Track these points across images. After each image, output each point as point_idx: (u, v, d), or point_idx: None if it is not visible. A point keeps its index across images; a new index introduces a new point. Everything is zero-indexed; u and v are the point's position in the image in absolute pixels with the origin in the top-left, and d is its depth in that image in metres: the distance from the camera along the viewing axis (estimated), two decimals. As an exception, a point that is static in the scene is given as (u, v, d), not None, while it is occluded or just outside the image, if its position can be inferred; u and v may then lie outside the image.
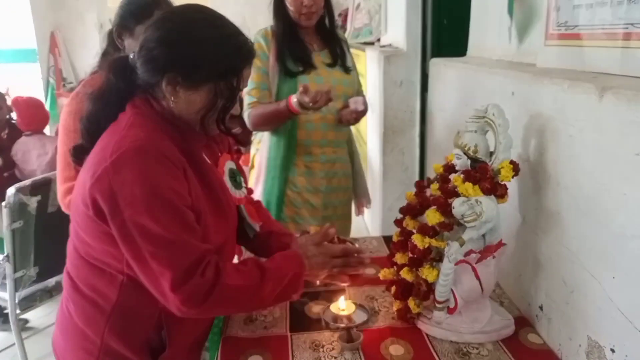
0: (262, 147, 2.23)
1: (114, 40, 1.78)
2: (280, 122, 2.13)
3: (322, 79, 2.16)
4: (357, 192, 2.41)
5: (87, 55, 6.20)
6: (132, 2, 1.77)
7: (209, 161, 1.30)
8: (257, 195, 2.17)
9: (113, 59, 1.28)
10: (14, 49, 6.04)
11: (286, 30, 2.15)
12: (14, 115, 3.70)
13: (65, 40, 6.39)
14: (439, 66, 2.09)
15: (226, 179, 1.36)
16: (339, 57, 2.22)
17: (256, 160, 2.29)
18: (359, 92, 2.30)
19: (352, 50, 2.33)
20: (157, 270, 1.08)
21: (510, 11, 1.56)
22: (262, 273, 1.19)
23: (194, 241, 1.12)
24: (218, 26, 1.20)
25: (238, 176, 1.41)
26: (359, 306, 1.40)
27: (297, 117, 2.08)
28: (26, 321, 3.27)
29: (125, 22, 1.74)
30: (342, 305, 1.37)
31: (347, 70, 2.24)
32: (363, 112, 2.17)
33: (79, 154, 1.24)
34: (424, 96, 2.85)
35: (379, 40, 3.55)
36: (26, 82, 5.74)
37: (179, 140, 1.20)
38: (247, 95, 2.14)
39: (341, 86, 2.19)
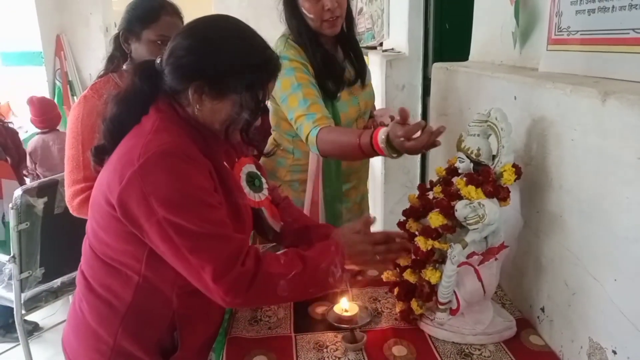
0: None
1: (120, 45, 1.79)
2: (356, 157, 1.80)
3: (357, 98, 1.93)
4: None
5: (92, 58, 6.22)
6: (139, 6, 1.78)
7: (227, 166, 1.31)
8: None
9: (139, 63, 1.32)
10: (19, 52, 6.07)
11: (311, 43, 1.82)
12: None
13: (70, 43, 6.42)
14: (441, 70, 2.10)
15: (243, 183, 1.37)
16: (364, 68, 1.98)
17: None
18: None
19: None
20: (198, 265, 1.11)
21: (517, 16, 1.57)
22: (304, 261, 1.20)
23: (230, 233, 1.15)
24: (247, 37, 1.22)
25: (257, 179, 1.42)
26: (362, 307, 1.42)
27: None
28: (36, 325, 3.28)
29: (132, 27, 1.76)
30: (346, 306, 1.38)
31: (368, 80, 2.02)
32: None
33: (100, 154, 1.26)
34: (425, 100, 2.86)
35: (381, 44, 3.56)
36: (32, 85, 5.75)
37: (203, 145, 1.21)
38: (305, 116, 1.71)
39: (371, 101, 2.03)
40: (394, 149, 1.44)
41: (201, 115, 1.21)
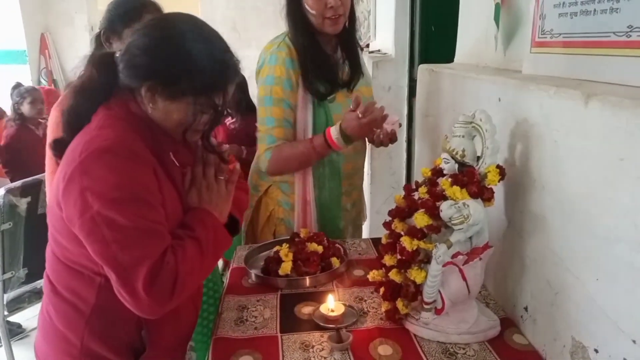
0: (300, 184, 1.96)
1: (102, 44, 1.78)
2: (311, 164, 1.88)
3: (340, 105, 1.92)
4: (362, 211, 2.31)
5: (76, 57, 6.14)
6: (120, 5, 1.77)
7: (177, 164, 1.29)
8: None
9: (99, 54, 1.29)
10: (2, 50, 6.01)
11: (307, 43, 1.82)
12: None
13: (55, 42, 6.37)
14: (426, 72, 2.11)
15: None
16: (358, 70, 1.97)
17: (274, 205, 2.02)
18: None
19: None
20: (129, 263, 1.07)
21: (497, 19, 1.59)
22: (199, 247, 1.18)
23: (165, 231, 1.13)
24: (206, 40, 1.20)
25: None
26: (348, 307, 1.42)
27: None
28: (19, 325, 3.25)
29: (114, 26, 1.75)
30: (332, 306, 1.39)
31: (368, 83, 2.04)
32: (395, 135, 1.94)
33: (59, 147, 1.23)
34: (411, 101, 2.88)
35: (368, 46, 3.58)
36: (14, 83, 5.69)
37: (151, 142, 1.20)
38: (266, 135, 1.83)
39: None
40: (347, 138, 1.71)
41: (154, 115, 1.20)
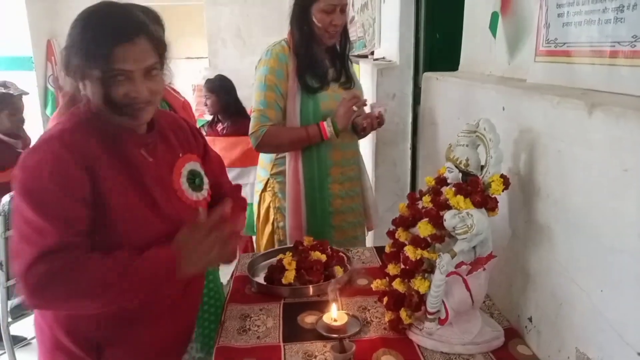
0: (291, 174, 2.20)
1: None
2: (300, 147, 2.17)
3: (338, 95, 2.19)
4: (367, 210, 2.44)
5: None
6: None
7: (147, 159, 1.31)
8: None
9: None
10: (9, 57, 6.03)
11: (305, 44, 2.15)
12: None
13: (61, 48, 6.41)
14: (431, 80, 2.11)
15: (183, 180, 1.38)
16: (348, 72, 2.27)
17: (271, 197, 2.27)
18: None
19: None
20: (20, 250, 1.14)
21: (493, 28, 1.59)
22: (125, 268, 1.16)
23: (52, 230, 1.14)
24: (92, 12, 1.23)
25: (198, 178, 1.42)
26: (352, 316, 1.42)
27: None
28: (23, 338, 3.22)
29: None
30: (335, 316, 1.38)
31: (353, 84, 2.28)
32: (382, 118, 2.25)
33: None
34: (416, 109, 2.87)
35: (372, 53, 3.57)
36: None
37: (109, 139, 1.25)
38: (260, 114, 2.13)
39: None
40: (336, 130, 2.10)
41: (97, 103, 1.24)
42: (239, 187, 1.69)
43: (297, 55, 2.14)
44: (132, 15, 1.23)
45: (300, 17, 2.13)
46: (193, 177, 1.41)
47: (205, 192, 1.44)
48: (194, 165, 1.43)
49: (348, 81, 2.26)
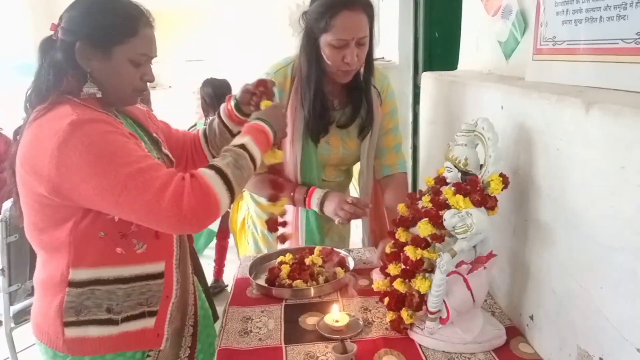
0: None
1: None
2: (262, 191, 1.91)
3: (348, 150, 1.94)
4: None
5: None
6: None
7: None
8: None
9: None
10: (13, 63, 6.04)
11: (315, 81, 1.80)
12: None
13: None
14: (430, 79, 2.11)
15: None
16: (363, 118, 1.92)
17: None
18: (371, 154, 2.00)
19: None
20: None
21: (520, 23, 1.56)
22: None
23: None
24: None
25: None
26: (353, 317, 1.42)
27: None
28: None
29: None
30: (337, 316, 1.38)
31: (366, 132, 1.94)
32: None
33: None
34: (416, 108, 2.88)
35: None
36: (20, 96, 5.73)
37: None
38: None
39: (349, 157, 1.99)
40: (321, 210, 1.86)
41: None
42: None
43: (303, 94, 1.83)
44: None
45: (309, 51, 1.78)
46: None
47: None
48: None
49: (361, 131, 1.92)
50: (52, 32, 1.30)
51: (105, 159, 1.16)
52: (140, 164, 1.18)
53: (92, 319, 1.29)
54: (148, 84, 1.38)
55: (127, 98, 1.37)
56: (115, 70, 1.29)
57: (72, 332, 1.29)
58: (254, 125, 1.42)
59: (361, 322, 1.42)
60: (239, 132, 1.58)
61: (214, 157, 1.67)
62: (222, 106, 1.69)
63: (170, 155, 1.54)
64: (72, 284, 1.28)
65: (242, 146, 1.34)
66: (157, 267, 1.35)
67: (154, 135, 1.51)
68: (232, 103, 1.65)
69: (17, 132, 1.29)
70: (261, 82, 1.61)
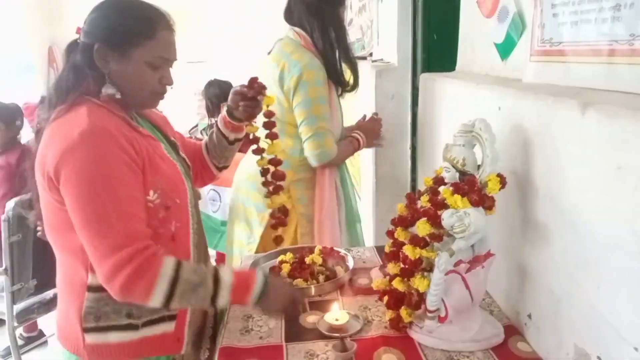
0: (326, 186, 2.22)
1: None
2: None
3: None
4: None
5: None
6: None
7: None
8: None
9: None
10: (9, 64, 6.05)
11: (332, 47, 2.18)
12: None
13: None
14: (428, 81, 2.13)
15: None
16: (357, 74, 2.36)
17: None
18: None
19: (344, 64, 2.31)
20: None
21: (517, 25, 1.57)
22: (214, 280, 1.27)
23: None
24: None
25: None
26: (353, 316, 1.43)
27: None
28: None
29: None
30: (337, 315, 1.39)
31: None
32: None
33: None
34: (414, 109, 2.88)
35: (371, 54, 3.59)
36: (23, 97, 5.74)
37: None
38: (326, 130, 2.11)
39: None
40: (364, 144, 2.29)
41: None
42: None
43: (325, 59, 2.15)
44: None
45: (330, 18, 2.14)
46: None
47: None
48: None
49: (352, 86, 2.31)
50: (77, 35, 1.33)
51: (95, 184, 1.18)
52: (121, 207, 1.19)
53: (112, 324, 1.30)
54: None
55: (146, 101, 1.38)
56: (133, 73, 1.30)
57: (92, 338, 1.29)
58: (249, 281, 1.32)
59: (361, 320, 1.43)
60: (235, 139, 1.68)
61: (216, 167, 1.75)
62: (219, 116, 1.74)
63: (187, 160, 1.55)
64: (91, 289, 1.28)
65: (216, 282, 1.27)
66: None
67: (172, 139, 1.53)
68: (225, 109, 1.70)
69: (39, 131, 1.31)
70: (251, 83, 1.68)
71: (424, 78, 2.18)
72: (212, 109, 3.80)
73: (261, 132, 1.95)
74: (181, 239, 1.36)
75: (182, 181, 1.41)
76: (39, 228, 1.37)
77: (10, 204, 2.39)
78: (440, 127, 1.99)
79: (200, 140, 1.78)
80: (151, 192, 1.28)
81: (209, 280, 1.26)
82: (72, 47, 1.34)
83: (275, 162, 1.96)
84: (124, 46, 1.28)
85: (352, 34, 4.06)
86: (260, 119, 1.85)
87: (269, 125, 1.93)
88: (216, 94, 3.76)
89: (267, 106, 1.82)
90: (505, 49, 1.65)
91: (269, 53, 2.29)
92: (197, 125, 4.08)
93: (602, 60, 1.13)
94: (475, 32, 1.90)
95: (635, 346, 0.92)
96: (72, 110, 1.25)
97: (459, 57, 2.07)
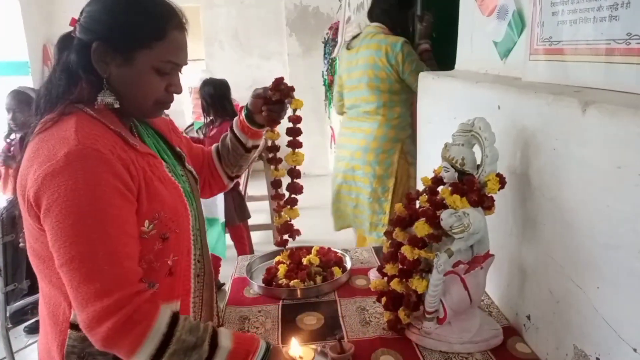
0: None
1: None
2: None
3: None
4: None
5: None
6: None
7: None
8: None
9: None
10: (4, 62, 6.03)
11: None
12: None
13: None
14: (427, 80, 2.12)
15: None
16: None
17: None
18: None
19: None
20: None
21: (517, 23, 1.56)
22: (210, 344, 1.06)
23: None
24: None
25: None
26: (320, 352, 1.22)
27: None
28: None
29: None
30: (299, 352, 1.19)
31: None
32: None
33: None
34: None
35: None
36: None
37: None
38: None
39: None
40: None
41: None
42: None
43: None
44: None
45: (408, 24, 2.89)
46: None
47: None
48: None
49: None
50: (71, 28, 1.13)
51: (81, 217, 1.00)
52: (110, 246, 1.02)
53: None
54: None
55: (148, 111, 1.19)
56: (136, 79, 1.12)
57: None
58: (249, 349, 1.11)
59: (328, 357, 1.23)
60: (253, 146, 1.52)
61: (228, 176, 1.57)
62: (235, 120, 1.55)
63: (194, 172, 1.39)
64: (74, 327, 1.10)
65: (213, 347, 1.07)
66: (170, 307, 1.12)
67: (177, 149, 1.37)
68: (244, 113, 1.50)
69: (23, 139, 1.14)
70: (276, 84, 1.46)
71: (423, 77, 2.17)
72: (207, 108, 3.78)
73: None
74: (180, 272, 1.21)
75: (184, 206, 1.23)
76: (21, 241, 1.22)
77: (3, 204, 2.37)
78: (439, 126, 1.98)
79: (197, 140, 1.75)
80: (146, 223, 1.10)
81: (205, 343, 1.06)
82: (65, 42, 1.14)
83: (295, 173, 1.69)
84: (127, 47, 1.09)
85: (350, 32, 4.05)
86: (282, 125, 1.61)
87: (294, 132, 1.64)
88: (211, 93, 3.74)
89: (295, 110, 1.61)
90: (505, 47, 1.64)
91: (348, 47, 2.93)
92: (192, 125, 4.06)
93: (600, 60, 1.13)
94: (475, 30, 1.90)
95: (634, 347, 0.92)
96: (60, 122, 1.07)
97: (458, 56, 2.07)
